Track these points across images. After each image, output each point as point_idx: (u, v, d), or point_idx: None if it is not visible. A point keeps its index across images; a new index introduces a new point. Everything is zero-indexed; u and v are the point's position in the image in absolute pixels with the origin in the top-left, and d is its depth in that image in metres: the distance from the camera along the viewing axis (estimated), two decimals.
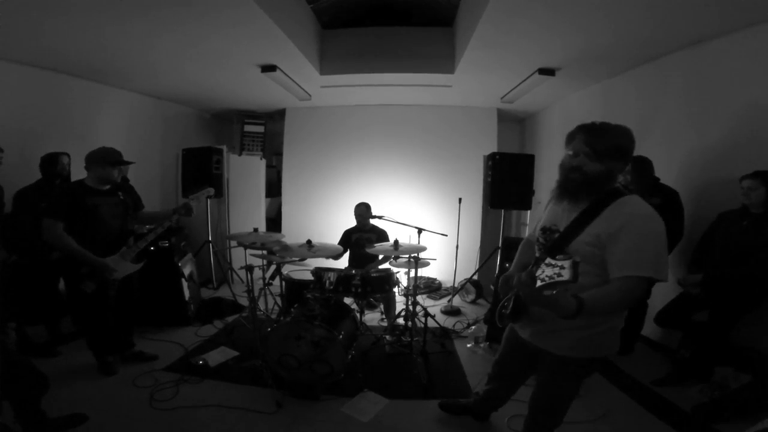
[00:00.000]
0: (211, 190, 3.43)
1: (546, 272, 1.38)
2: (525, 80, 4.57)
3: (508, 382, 2.30)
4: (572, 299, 1.40)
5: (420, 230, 3.92)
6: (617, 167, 1.59)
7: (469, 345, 3.78)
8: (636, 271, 1.45)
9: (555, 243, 1.65)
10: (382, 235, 4.45)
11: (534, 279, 1.41)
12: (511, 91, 5.09)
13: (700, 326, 2.89)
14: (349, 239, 4.50)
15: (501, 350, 2.21)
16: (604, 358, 1.74)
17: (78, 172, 2.96)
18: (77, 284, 2.72)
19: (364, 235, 4.44)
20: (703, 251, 2.99)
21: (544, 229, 1.76)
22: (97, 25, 3.23)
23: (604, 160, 1.56)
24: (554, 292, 1.37)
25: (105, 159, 2.83)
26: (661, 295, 3.24)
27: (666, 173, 3.35)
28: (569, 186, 1.65)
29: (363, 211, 4.48)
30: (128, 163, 3.00)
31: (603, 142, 1.56)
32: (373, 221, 4.43)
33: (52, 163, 3.53)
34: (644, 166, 3.26)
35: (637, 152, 3.52)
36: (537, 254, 1.74)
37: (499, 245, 4.88)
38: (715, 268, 2.81)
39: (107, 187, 2.91)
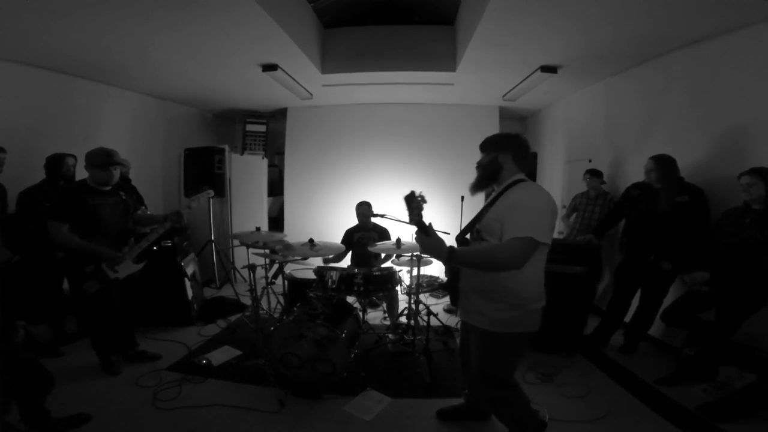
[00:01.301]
0: (211, 192, 3.43)
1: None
2: (527, 78, 4.56)
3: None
4: (446, 245, 1.79)
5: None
6: (499, 156, 2.02)
7: None
8: (519, 233, 1.74)
9: (471, 222, 2.08)
10: (383, 234, 4.44)
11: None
12: (513, 89, 5.08)
13: (707, 325, 2.87)
14: (351, 238, 4.50)
15: (459, 339, 2.45)
16: (529, 336, 1.95)
17: (82, 172, 2.96)
18: (80, 284, 2.73)
19: (365, 234, 4.43)
20: (709, 249, 2.97)
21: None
22: (100, 26, 3.24)
23: (487, 151, 2.08)
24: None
25: (94, 162, 2.83)
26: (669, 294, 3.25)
27: None
28: (475, 179, 2.11)
29: (365, 210, 4.46)
30: (117, 163, 2.93)
31: (485, 140, 2.13)
32: (374, 220, 4.42)
33: (57, 164, 3.53)
34: (667, 164, 3.24)
35: (640, 150, 3.54)
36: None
37: None
38: (720, 265, 2.79)
39: (107, 187, 2.92)
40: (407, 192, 1.85)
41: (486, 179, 2.07)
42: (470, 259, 1.86)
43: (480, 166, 2.10)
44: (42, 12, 2.96)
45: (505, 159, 2.01)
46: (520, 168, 2.02)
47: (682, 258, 3.14)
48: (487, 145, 2.10)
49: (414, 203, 1.82)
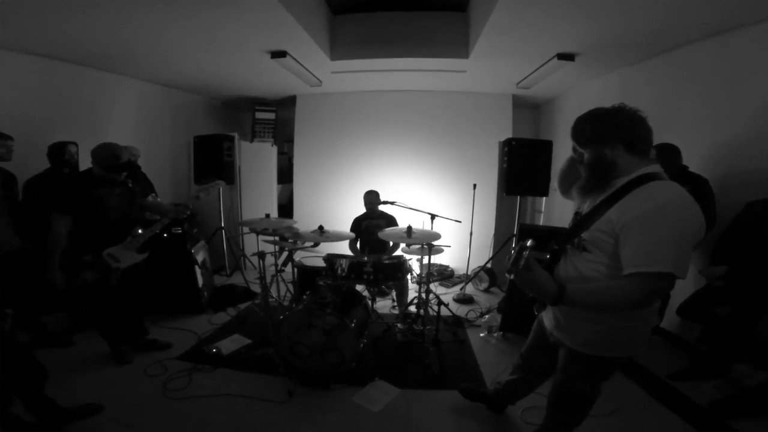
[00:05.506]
0: (221, 183, 3.43)
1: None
2: (543, 65, 4.44)
3: (531, 374, 2.23)
4: (553, 283, 1.40)
5: (433, 216, 3.86)
6: (606, 150, 1.50)
7: (482, 334, 3.75)
8: (649, 266, 1.28)
9: (572, 228, 1.61)
10: (391, 221, 4.42)
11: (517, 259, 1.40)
12: (527, 76, 4.96)
13: (722, 320, 2.80)
14: (359, 226, 4.48)
15: (528, 340, 2.16)
16: (626, 359, 1.63)
17: (86, 160, 2.95)
18: (77, 273, 2.75)
19: (372, 222, 4.41)
20: (728, 242, 2.87)
21: (575, 213, 1.71)
22: (109, 14, 3.20)
23: (586, 146, 1.55)
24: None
25: (100, 163, 2.81)
26: (681, 287, 3.17)
27: (688, 163, 3.23)
28: (583, 181, 1.63)
29: (372, 198, 4.45)
30: (123, 168, 2.92)
31: (577, 130, 1.60)
32: (382, 207, 4.39)
33: (59, 153, 3.55)
34: (668, 152, 3.15)
35: (657, 142, 3.45)
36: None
37: (515, 232, 4.80)
38: (741, 259, 2.71)
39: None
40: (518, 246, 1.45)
41: (597, 181, 1.55)
42: (582, 302, 1.43)
43: (585, 166, 1.58)
44: (59, 4, 2.97)
45: (616, 153, 1.48)
46: (641, 155, 1.49)
47: None
48: (582, 138, 1.56)
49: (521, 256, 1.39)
